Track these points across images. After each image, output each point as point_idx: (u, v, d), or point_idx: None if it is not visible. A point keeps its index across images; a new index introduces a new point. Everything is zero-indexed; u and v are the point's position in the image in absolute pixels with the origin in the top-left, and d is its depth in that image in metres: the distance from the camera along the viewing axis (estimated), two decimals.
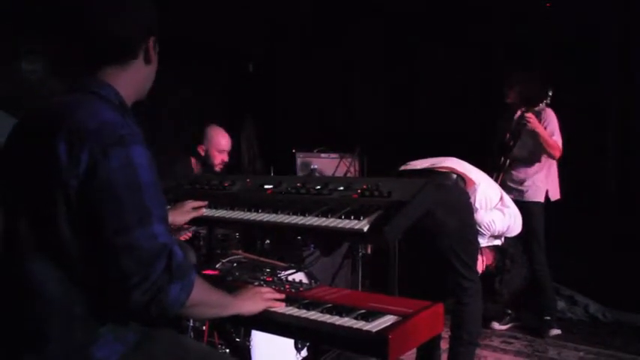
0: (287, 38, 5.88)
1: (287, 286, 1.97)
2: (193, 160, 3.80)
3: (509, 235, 3.19)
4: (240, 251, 3.70)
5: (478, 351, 3.78)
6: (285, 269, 3.22)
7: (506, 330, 4.30)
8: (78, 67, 1.51)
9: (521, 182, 4.20)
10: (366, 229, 1.63)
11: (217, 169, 3.78)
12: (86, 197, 1.29)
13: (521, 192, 4.19)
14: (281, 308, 1.70)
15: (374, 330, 1.51)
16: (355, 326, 1.54)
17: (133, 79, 1.53)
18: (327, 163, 4.87)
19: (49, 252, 1.33)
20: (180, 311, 1.38)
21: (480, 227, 3.05)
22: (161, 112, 4.79)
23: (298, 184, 2.04)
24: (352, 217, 1.69)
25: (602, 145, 4.57)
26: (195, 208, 2.10)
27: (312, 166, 4.30)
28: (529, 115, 3.97)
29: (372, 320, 1.56)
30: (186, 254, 3.43)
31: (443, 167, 2.93)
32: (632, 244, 4.42)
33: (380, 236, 1.62)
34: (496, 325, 4.30)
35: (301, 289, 1.95)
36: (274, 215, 1.87)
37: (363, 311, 1.63)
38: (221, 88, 6.06)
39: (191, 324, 3.02)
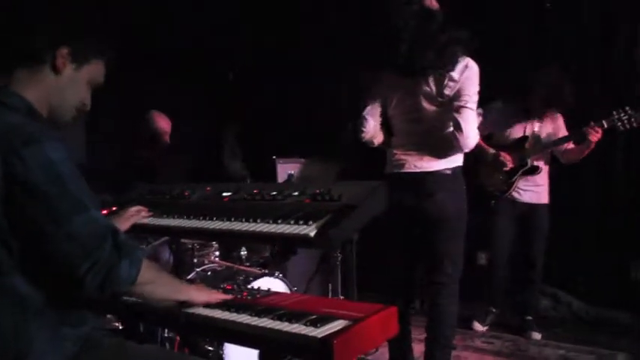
0: (267, 44, 5.87)
1: (244, 294, 1.96)
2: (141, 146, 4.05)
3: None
4: (217, 259, 3.71)
5: (459, 352, 3.78)
6: (259, 276, 3.23)
7: (487, 330, 4.29)
8: None
9: (537, 184, 4.10)
10: (313, 234, 1.62)
11: (160, 148, 4.06)
12: (13, 202, 1.31)
13: (537, 194, 4.10)
14: (231, 316, 1.69)
15: (319, 336, 1.49)
16: (302, 332, 1.53)
17: (41, 89, 1.54)
18: (308, 169, 4.87)
19: None
20: (132, 289, 1.42)
21: None
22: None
23: (254, 191, 2.04)
24: (301, 223, 1.69)
25: None
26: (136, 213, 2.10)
27: (288, 172, 4.29)
28: (598, 131, 3.68)
29: (321, 326, 1.55)
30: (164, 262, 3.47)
31: None
32: (614, 242, 4.42)
33: (327, 241, 1.62)
34: (478, 326, 4.28)
35: (258, 295, 1.94)
36: (227, 223, 1.86)
37: (313, 317, 1.62)
38: (202, 96, 6.06)
39: (166, 335, 3.02)
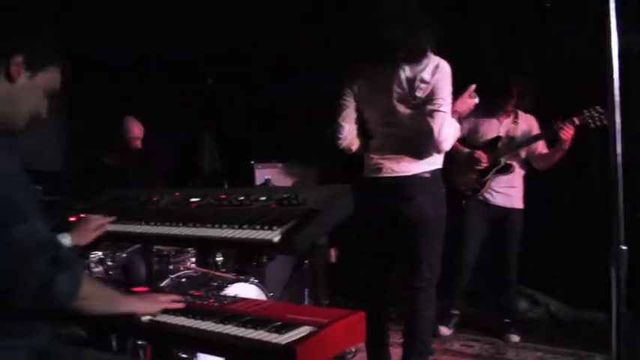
0: (246, 49, 5.85)
1: (211, 300, 1.94)
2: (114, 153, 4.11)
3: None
4: (193, 265, 3.68)
5: (438, 356, 3.78)
6: (234, 282, 3.20)
7: (456, 333, 4.26)
8: None
9: (511, 186, 4.10)
10: (276, 239, 1.61)
11: (132, 152, 4.10)
12: None
13: (511, 198, 4.10)
14: (195, 323, 1.67)
15: (283, 342, 1.48)
16: (265, 339, 1.51)
17: None
18: (284, 174, 4.86)
19: None
20: (71, 303, 1.41)
21: None
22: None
23: (222, 196, 2.02)
24: (266, 228, 1.67)
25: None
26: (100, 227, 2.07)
27: (265, 177, 4.27)
28: (569, 128, 3.72)
29: (285, 332, 1.54)
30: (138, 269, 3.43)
31: None
32: (591, 242, 4.44)
33: (291, 246, 1.60)
34: (444, 331, 4.22)
35: (225, 302, 1.91)
36: (193, 229, 1.84)
37: (278, 323, 1.60)
38: (181, 100, 6.03)
39: (139, 343, 2.97)
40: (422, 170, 2.85)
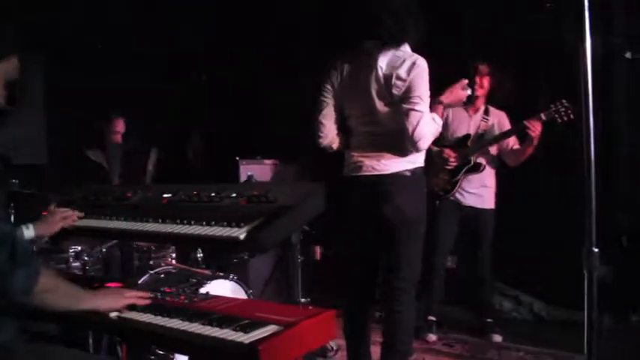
0: (237, 46, 5.82)
1: (182, 297, 1.92)
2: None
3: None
4: (172, 262, 3.65)
5: (419, 354, 3.77)
6: (213, 278, 3.18)
7: (438, 332, 4.20)
8: None
9: (483, 186, 4.05)
10: (242, 237, 1.59)
11: (112, 148, 4.22)
12: None
13: (482, 198, 4.05)
14: (162, 320, 1.65)
15: (246, 342, 1.46)
16: (229, 338, 1.50)
17: None
18: (268, 171, 4.84)
19: None
20: (29, 298, 1.40)
21: None
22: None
23: (194, 192, 1.99)
24: (233, 225, 1.65)
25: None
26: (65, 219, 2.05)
27: (248, 174, 4.25)
28: (537, 124, 3.70)
29: (250, 331, 1.52)
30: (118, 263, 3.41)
31: None
32: (573, 241, 4.43)
33: (257, 244, 1.58)
34: (431, 337, 4.12)
35: (195, 299, 1.89)
36: (161, 225, 1.82)
37: (244, 322, 1.58)
38: (169, 96, 6.00)
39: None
40: (402, 168, 2.81)
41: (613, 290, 3.74)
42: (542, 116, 3.69)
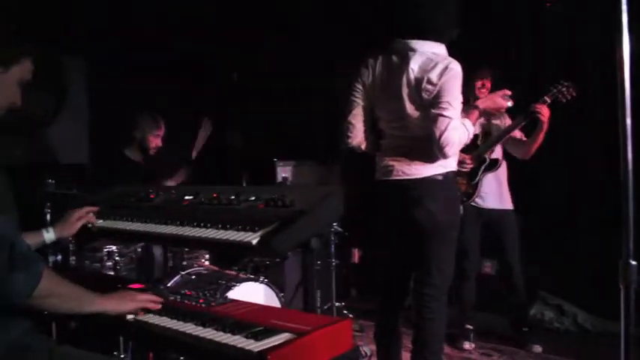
0: (270, 45, 5.81)
1: (201, 300, 1.89)
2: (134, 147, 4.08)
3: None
4: (205, 262, 3.65)
5: None
6: (243, 281, 3.15)
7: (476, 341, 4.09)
8: None
9: (496, 185, 3.96)
10: (255, 242, 1.55)
11: (152, 152, 4.07)
12: None
13: (500, 197, 3.96)
14: (176, 324, 1.63)
15: (255, 350, 1.42)
16: (239, 345, 1.46)
17: None
18: (306, 172, 4.81)
19: None
20: (29, 302, 1.39)
21: None
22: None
23: (214, 195, 1.97)
24: (247, 229, 1.62)
25: None
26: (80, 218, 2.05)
27: (282, 175, 4.22)
28: (544, 108, 3.62)
29: (262, 339, 1.48)
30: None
31: None
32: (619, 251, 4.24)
33: (270, 250, 1.54)
34: (467, 346, 4.01)
35: (213, 303, 1.87)
36: (179, 228, 1.81)
37: (258, 329, 1.55)
38: (207, 97, 6.04)
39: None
40: (434, 172, 2.72)
41: None
42: (547, 99, 3.63)
